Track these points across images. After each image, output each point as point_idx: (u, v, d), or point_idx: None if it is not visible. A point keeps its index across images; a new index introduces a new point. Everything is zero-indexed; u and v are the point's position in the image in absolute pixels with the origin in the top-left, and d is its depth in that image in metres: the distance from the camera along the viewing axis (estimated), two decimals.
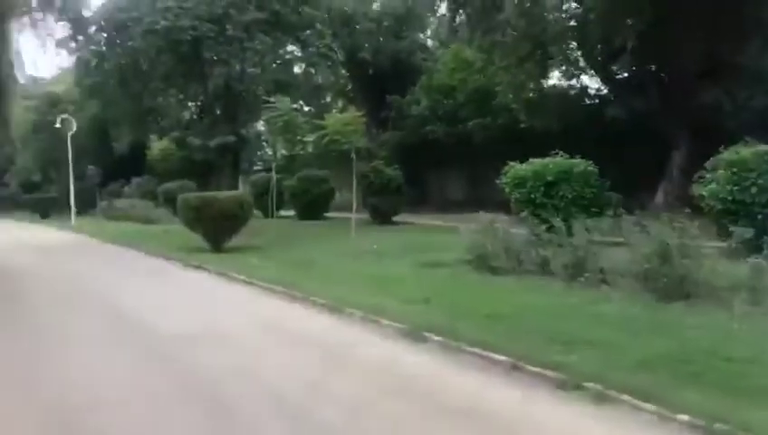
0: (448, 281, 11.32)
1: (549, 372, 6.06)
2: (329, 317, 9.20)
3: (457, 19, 24.12)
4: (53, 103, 47.12)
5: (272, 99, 20.38)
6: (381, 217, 24.12)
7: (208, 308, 10.17)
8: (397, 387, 6.05)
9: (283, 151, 42.99)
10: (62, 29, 30.96)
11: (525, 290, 10.05)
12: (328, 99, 39.84)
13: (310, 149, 32.61)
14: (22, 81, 51.41)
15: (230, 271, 13.42)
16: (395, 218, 24.60)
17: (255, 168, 52.03)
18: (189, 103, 48.81)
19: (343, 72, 37.06)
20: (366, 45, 31.78)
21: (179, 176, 37.65)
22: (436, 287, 10.48)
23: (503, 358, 6.56)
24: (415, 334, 7.67)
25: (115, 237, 23.12)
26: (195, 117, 50.60)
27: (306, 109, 35.87)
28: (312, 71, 32.29)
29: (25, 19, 14.13)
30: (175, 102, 51.42)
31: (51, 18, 13.90)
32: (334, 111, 25.30)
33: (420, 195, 31.53)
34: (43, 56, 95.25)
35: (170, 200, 38.17)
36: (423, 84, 31.94)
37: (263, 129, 32.61)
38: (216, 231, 17.30)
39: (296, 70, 35.77)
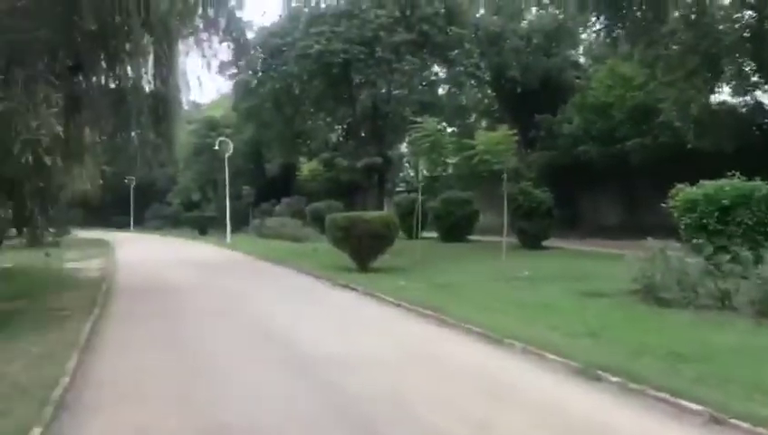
0: (613, 313, 10.26)
1: (761, 430, 5.07)
2: (485, 347, 8.55)
3: (615, 33, 22.66)
4: (212, 127, 50.49)
5: (419, 119, 20.11)
6: (530, 241, 23.05)
7: (358, 330, 9.89)
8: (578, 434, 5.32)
9: (425, 172, 43.12)
10: (224, 51, 33.20)
11: (706, 327, 8.84)
12: (472, 119, 39.28)
13: (450, 169, 32.28)
14: (186, 106, 56.05)
15: (378, 291, 13.16)
16: (544, 243, 23.42)
17: (398, 189, 52.61)
18: (336, 126, 50.48)
19: (489, 91, 36.46)
20: (514, 63, 30.94)
21: (326, 196, 38.80)
22: (600, 320, 9.48)
23: (697, 407, 5.64)
24: (587, 373, 6.84)
25: (267, 255, 23.91)
26: (341, 139, 52.34)
27: (449, 130, 35.63)
28: (458, 91, 31.97)
29: (191, 41, 14.61)
30: (323, 125, 53.40)
31: (215, 40, 14.55)
32: (479, 130, 24.67)
33: (570, 218, 29.94)
34: (204, 82, 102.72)
35: (318, 219, 39.38)
36: (575, 102, 30.50)
37: (405, 150, 32.73)
38: (363, 251, 17.24)
39: (440, 90, 35.73)
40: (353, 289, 14.12)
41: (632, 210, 28.86)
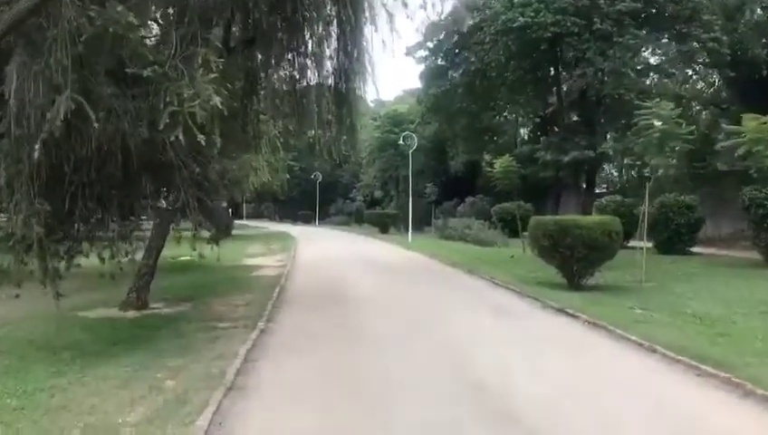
0: None
1: None
2: None
3: None
4: (396, 123, 49.13)
5: (648, 104, 16.18)
6: None
7: (594, 385, 6.73)
8: None
9: (633, 173, 38.00)
10: (412, 33, 31.04)
11: None
12: (696, 107, 33.43)
13: (670, 170, 27.35)
14: (371, 104, 55.51)
15: (607, 322, 9.84)
16: None
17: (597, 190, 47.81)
18: (528, 119, 46.82)
19: (715, 77, 30.78)
20: (763, 40, 24.96)
21: (512, 196, 35.46)
22: None
23: None
24: None
25: (453, 259, 21.26)
26: (531, 135, 48.47)
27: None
28: (690, 72, 26.68)
29: (370, 27, 12.25)
30: (513, 120, 50.07)
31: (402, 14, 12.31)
32: (746, 115, 19.92)
33: None
34: (388, 80, 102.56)
35: (505, 221, 36.30)
36: None
37: (611, 143, 28.04)
38: (576, 264, 13.93)
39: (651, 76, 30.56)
40: (571, 315, 10.88)
41: None
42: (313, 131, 15.91)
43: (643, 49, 26.04)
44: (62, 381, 6.43)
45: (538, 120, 48.88)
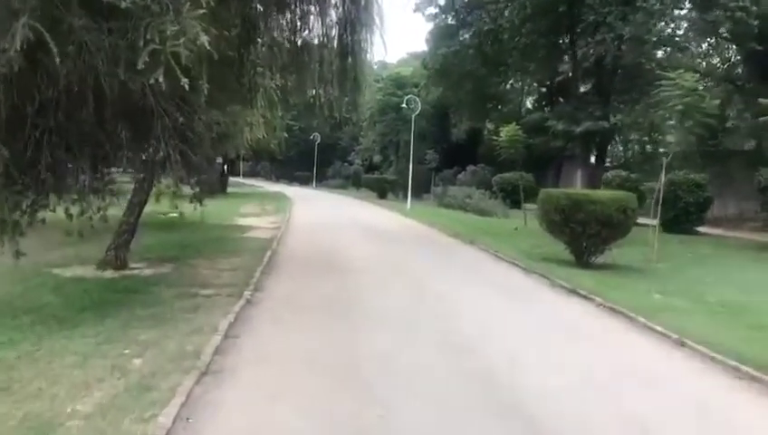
0: None
1: None
2: None
3: None
4: (399, 85, 47.82)
5: (670, 74, 15.16)
6: None
7: (617, 383, 5.93)
8: None
9: (636, 147, 36.94)
10: None
11: None
12: (708, 83, 32.22)
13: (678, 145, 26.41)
14: (375, 66, 53.92)
15: (623, 306, 9.03)
16: None
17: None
18: (537, 85, 45.45)
19: (732, 50, 29.54)
20: None
21: (515, 166, 34.50)
22: None
23: None
24: None
25: (453, 229, 20.42)
26: (537, 105, 47.22)
27: None
28: (705, 46, 25.37)
29: None
30: (519, 88, 48.77)
31: None
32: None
33: None
34: (392, 39, 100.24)
35: (506, 192, 35.39)
36: None
37: (617, 117, 26.78)
38: (587, 241, 13.11)
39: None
40: (583, 297, 10.06)
41: None
42: (314, 90, 15.03)
43: (665, 16, 24.68)
44: (10, 355, 5.58)
45: (544, 89, 47.69)
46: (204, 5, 6.99)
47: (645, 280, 11.91)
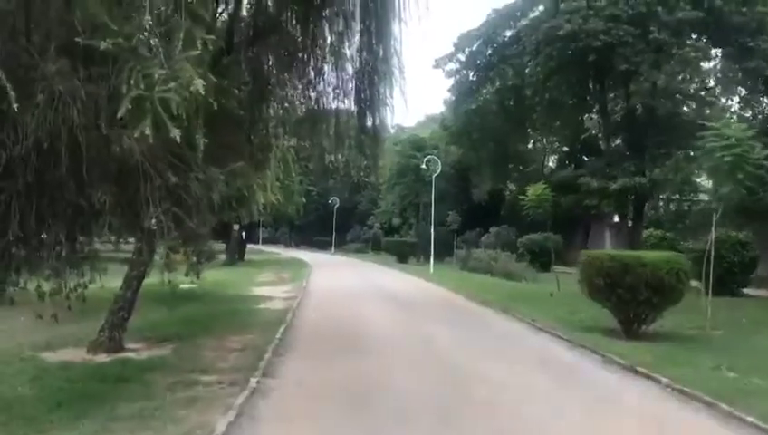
0: None
1: None
2: None
3: None
4: (418, 148, 47.20)
5: (714, 123, 14.04)
6: None
7: None
8: None
9: (671, 205, 35.44)
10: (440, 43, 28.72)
11: None
12: None
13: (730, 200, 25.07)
14: (392, 130, 53.60)
15: (696, 388, 7.61)
16: None
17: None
18: (558, 145, 44.63)
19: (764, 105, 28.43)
20: None
21: (541, 227, 33.27)
22: None
23: None
24: None
25: (482, 296, 19.02)
26: (560, 163, 46.23)
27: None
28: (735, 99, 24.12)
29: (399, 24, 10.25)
30: (541, 149, 48.09)
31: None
32: None
33: None
34: (409, 103, 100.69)
35: (533, 253, 34.00)
36: None
37: (653, 172, 25.36)
38: (638, 308, 11.72)
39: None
40: (645, 376, 8.65)
41: None
42: (331, 154, 14.20)
43: (702, 63, 23.57)
44: None
45: (567, 148, 46.81)
46: (199, 48, 6.06)
47: (706, 352, 10.44)
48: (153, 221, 6.38)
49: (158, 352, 9.43)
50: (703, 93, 27.50)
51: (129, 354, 9.22)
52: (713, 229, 14.33)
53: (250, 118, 11.37)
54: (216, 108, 6.49)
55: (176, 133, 5.52)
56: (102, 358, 8.91)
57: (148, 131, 5.45)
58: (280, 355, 9.58)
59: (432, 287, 23.75)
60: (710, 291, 13.89)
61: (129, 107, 5.37)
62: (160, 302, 16.39)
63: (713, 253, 14.11)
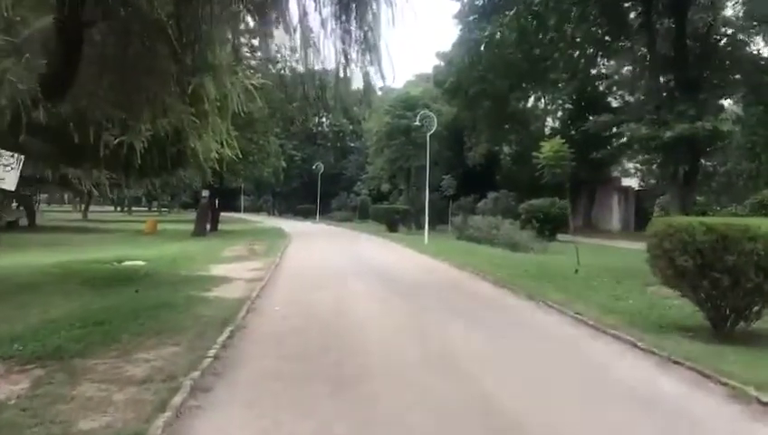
0: None
1: None
2: None
3: None
4: (409, 107, 43.22)
5: None
6: None
7: None
8: None
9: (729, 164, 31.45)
10: None
11: None
12: None
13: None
14: (378, 91, 49.31)
15: None
16: None
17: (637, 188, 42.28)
18: (561, 103, 41.27)
19: None
20: None
21: (539, 191, 29.73)
22: None
23: None
24: None
25: (495, 274, 15.33)
26: (568, 121, 42.57)
27: None
28: None
29: None
30: (543, 105, 44.64)
31: None
32: None
33: None
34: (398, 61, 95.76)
35: (537, 220, 30.46)
36: None
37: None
38: (742, 299, 8.14)
39: None
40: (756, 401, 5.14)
41: None
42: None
43: None
44: None
45: (571, 105, 43.22)
46: None
47: None
48: None
49: (18, 387, 5.70)
50: None
51: None
52: None
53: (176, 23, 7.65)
54: None
55: None
56: None
57: None
58: (202, 395, 5.82)
59: (430, 262, 20.08)
60: None
61: None
62: (90, 285, 12.95)
63: None
